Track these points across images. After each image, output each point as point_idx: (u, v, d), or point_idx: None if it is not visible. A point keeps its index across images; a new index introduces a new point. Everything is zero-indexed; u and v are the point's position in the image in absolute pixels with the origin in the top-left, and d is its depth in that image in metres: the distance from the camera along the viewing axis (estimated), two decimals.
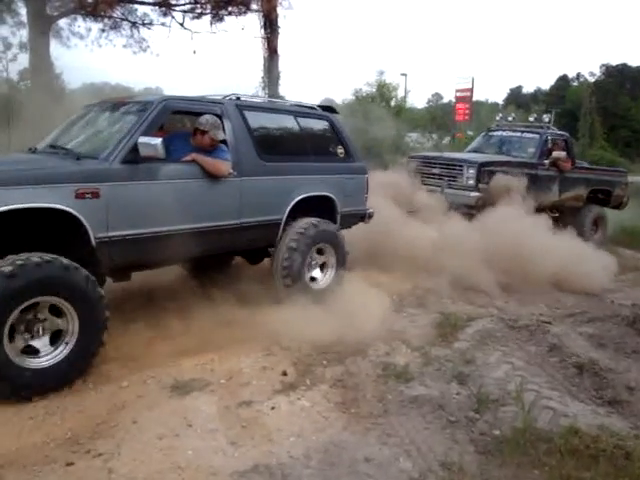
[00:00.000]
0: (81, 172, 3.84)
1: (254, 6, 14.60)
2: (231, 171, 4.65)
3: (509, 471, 2.99)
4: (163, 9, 14.66)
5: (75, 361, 3.58)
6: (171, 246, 4.21)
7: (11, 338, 3.35)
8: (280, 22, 15.32)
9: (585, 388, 4.05)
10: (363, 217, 6.07)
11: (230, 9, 14.59)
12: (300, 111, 5.64)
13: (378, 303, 5.22)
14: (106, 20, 14.74)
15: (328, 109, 6.00)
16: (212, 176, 4.51)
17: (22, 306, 3.35)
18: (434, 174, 9.37)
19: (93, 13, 14.46)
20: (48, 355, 3.51)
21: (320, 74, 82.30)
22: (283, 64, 18.69)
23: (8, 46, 17.40)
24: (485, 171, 8.63)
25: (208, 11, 14.63)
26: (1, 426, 3.11)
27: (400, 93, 25.24)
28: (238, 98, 5.17)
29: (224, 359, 4.09)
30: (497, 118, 11.55)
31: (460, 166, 8.94)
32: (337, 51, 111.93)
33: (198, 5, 14.59)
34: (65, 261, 3.54)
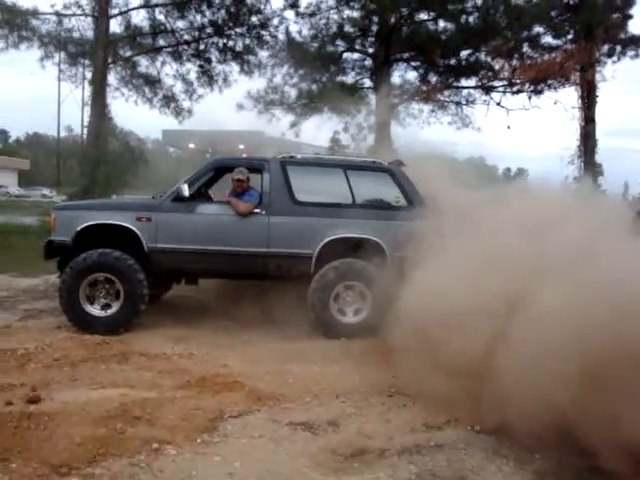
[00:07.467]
0: (141, 205, 6.06)
1: (572, 77, 14.06)
2: (255, 210, 5.90)
3: None
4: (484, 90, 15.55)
5: (121, 316, 5.64)
6: (205, 261, 5.84)
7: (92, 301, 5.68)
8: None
9: None
10: None
11: (549, 82, 14.45)
12: (351, 165, 6.39)
13: None
14: (435, 102, 16.50)
15: (395, 163, 6.36)
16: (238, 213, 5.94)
17: (90, 277, 5.60)
18: None
19: (426, 98, 16.55)
20: (112, 309, 5.68)
21: None
22: (600, 132, 17.02)
23: (360, 129, 20.93)
24: None
25: (526, 87, 14.78)
26: None
27: None
28: (292, 157, 6.28)
29: None
30: None
31: None
32: None
33: (516, 83, 14.89)
34: (117, 253, 5.60)
